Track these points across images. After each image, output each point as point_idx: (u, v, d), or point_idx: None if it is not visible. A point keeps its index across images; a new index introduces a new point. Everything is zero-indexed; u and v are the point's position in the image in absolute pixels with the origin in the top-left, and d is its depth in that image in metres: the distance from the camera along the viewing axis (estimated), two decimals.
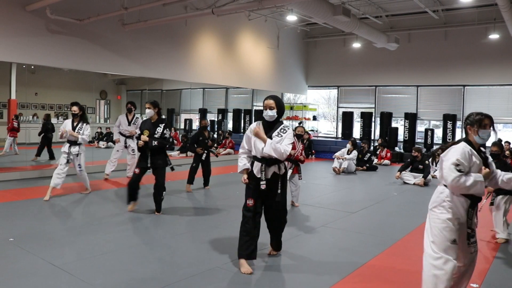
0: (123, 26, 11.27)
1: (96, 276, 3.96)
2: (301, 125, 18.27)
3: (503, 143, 11.19)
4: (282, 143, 4.23)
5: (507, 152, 10.49)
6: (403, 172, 10.73)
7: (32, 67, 13.05)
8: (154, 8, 10.51)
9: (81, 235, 5.26)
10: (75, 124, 7.49)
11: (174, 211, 6.71)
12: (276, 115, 4.38)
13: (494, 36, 14.67)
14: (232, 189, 8.95)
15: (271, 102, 4.36)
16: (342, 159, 12.17)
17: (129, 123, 9.68)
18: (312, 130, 18.89)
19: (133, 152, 9.49)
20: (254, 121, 18.35)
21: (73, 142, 7.46)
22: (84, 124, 7.53)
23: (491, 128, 3.39)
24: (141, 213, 6.47)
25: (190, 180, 8.59)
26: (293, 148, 7.16)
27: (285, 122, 20.04)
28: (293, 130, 7.51)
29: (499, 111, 15.66)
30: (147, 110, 6.43)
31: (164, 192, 6.46)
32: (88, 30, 10.71)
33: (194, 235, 5.52)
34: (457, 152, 3.31)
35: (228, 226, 5.88)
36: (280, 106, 4.39)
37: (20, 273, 3.98)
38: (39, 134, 11.84)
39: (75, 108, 7.50)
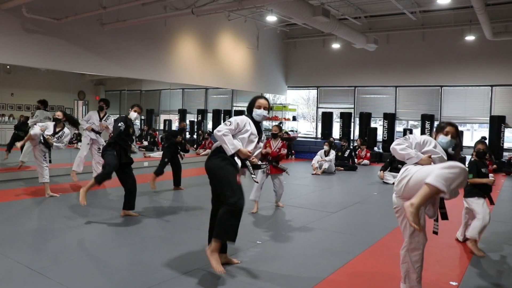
0: (101, 26, 11.13)
1: (74, 279, 3.89)
2: (280, 125, 18.38)
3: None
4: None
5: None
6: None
7: (8, 67, 12.78)
8: (133, 7, 10.42)
9: (58, 238, 5.17)
10: (57, 129, 7.49)
11: (151, 213, 6.64)
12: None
13: (470, 38, 14.93)
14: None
15: (266, 102, 4.29)
16: (324, 161, 12.22)
17: (100, 120, 9.39)
18: (292, 131, 18.95)
19: (99, 150, 9.38)
20: None
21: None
22: (65, 130, 7.51)
23: (452, 136, 3.68)
24: (118, 215, 6.39)
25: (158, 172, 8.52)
26: (269, 147, 7.19)
27: (265, 123, 19.94)
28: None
29: (475, 111, 15.97)
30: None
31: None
32: (65, 29, 10.55)
33: (173, 236, 5.47)
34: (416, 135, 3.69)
35: (206, 227, 5.84)
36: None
37: None
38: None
39: (59, 113, 7.54)
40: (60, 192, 7.84)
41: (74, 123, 7.87)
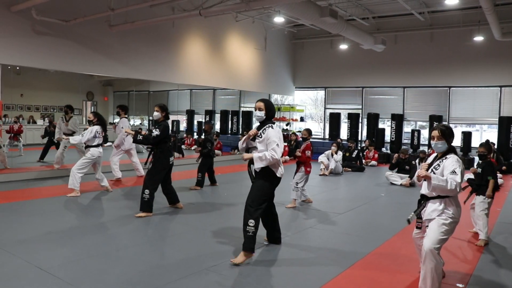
0: (110, 27, 11.20)
1: (83, 279, 3.93)
2: (288, 126, 18.39)
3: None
4: (269, 149, 4.50)
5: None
6: (390, 173, 10.82)
7: (17, 68, 12.90)
8: (141, 9, 10.46)
9: (68, 238, 5.21)
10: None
11: (162, 212, 6.68)
12: (265, 116, 4.69)
13: (478, 38, 14.84)
14: (220, 190, 8.93)
15: (260, 104, 4.72)
16: (333, 160, 12.17)
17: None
18: (300, 131, 18.92)
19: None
20: (242, 122, 18.21)
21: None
22: (91, 126, 7.84)
23: (438, 139, 3.86)
24: (128, 216, 6.43)
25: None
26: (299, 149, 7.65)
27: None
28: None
29: (484, 112, 15.88)
30: (155, 113, 6.67)
31: (147, 191, 6.35)
32: (74, 31, 10.63)
33: (183, 236, 5.50)
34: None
35: (216, 228, 5.88)
36: (269, 109, 4.72)
37: (6, 277, 3.94)
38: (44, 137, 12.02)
39: (90, 115, 8.00)
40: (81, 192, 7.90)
41: (103, 124, 8.05)
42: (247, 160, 4.66)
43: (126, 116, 9.99)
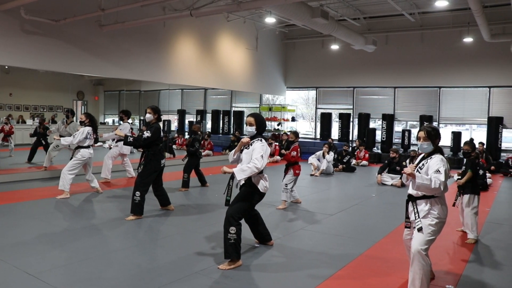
0: (100, 27, 11.13)
1: (72, 284, 3.90)
2: (280, 126, 18.40)
3: (477, 144, 11.46)
4: (252, 159, 4.51)
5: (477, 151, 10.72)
6: (383, 175, 10.87)
7: (6, 67, 12.78)
8: (132, 9, 10.40)
9: (57, 242, 5.17)
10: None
11: (153, 215, 6.65)
12: (256, 131, 4.75)
13: (468, 39, 14.93)
14: (210, 191, 8.92)
15: (251, 119, 4.78)
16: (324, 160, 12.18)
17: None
18: (290, 131, 18.89)
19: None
20: (233, 122, 18.21)
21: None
22: (81, 128, 7.82)
23: (424, 140, 3.90)
24: (117, 219, 6.40)
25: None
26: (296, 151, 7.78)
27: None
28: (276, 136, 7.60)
29: (473, 112, 16.02)
30: (147, 115, 6.67)
31: (138, 193, 6.33)
32: (64, 31, 10.56)
33: (174, 239, 5.49)
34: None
35: (207, 230, 5.86)
36: (260, 124, 4.77)
37: None
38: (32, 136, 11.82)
39: (82, 116, 7.99)
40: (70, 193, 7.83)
41: (94, 125, 8.03)
42: (226, 173, 4.53)
43: (129, 121, 10.22)
